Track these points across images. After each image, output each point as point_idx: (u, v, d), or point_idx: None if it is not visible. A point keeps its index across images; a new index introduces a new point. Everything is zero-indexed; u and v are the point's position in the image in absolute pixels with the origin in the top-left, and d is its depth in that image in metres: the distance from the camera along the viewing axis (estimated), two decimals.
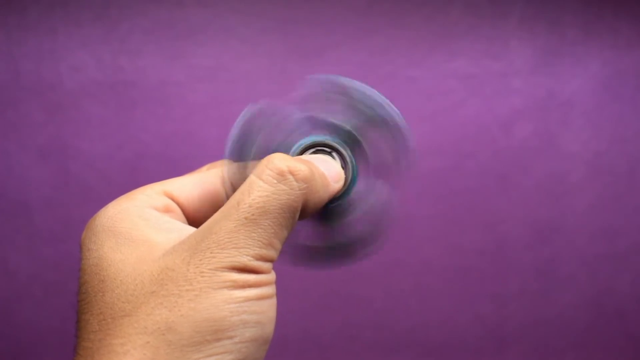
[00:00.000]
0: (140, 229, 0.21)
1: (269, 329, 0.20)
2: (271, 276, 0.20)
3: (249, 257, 0.19)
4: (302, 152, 0.25)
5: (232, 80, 0.87)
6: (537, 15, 0.89)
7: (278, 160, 0.21)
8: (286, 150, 0.25)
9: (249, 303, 0.19)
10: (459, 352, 0.93)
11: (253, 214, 0.20)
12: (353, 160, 0.25)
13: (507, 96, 0.90)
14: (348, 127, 0.25)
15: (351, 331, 0.91)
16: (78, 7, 0.85)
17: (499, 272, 0.92)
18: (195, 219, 0.24)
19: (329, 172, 0.24)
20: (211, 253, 0.19)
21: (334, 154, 0.25)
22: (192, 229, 0.22)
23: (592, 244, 0.93)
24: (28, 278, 0.87)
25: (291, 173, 0.21)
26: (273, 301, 0.20)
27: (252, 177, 0.21)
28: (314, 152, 0.25)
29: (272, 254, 0.20)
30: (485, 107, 0.90)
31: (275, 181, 0.20)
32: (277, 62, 0.87)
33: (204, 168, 0.26)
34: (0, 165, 0.86)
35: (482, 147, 0.91)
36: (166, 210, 0.23)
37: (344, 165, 0.25)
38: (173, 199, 0.23)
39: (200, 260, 0.19)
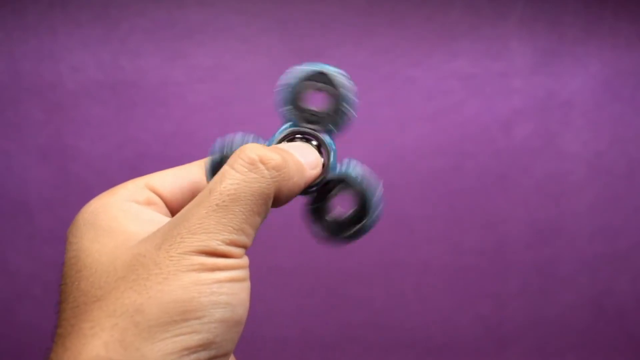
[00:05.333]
0: (119, 221, 0.22)
1: (240, 311, 0.20)
2: (243, 261, 0.21)
3: (218, 242, 0.20)
4: (282, 141, 0.26)
5: (232, 80, 0.87)
6: (537, 15, 0.89)
7: (249, 150, 0.21)
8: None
9: (218, 285, 0.19)
10: (459, 352, 0.93)
11: (224, 201, 0.20)
12: (332, 146, 0.26)
13: (507, 96, 0.90)
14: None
15: (351, 331, 0.91)
16: (78, 7, 0.85)
17: (499, 272, 0.92)
18: (177, 212, 0.24)
19: (305, 159, 0.24)
20: (181, 238, 0.19)
21: (313, 141, 0.26)
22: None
23: (592, 244, 0.93)
24: (28, 278, 0.87)
25: (262, 162, 0.21)
26: (245, 285, 0.20)
27: (225, 167, 0.21)
28: (294, 140, 0.26)
29: (244, 239, 0.21)
30: (485, 107, 0.90)
31: (246, 170, 0.21)
32: (277, 62, 0.87)
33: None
34: (0, 165, 0.86)
35: (482, 147, 0.91)
36: (148, 203, 0.23)
37: (323, 151, 0.26)
38: (156, 192, 0.24)
39: (170, 245, 0.19)
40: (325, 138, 0.26)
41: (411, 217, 0.91)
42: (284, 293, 0.90)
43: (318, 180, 0.25)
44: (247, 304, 0.20)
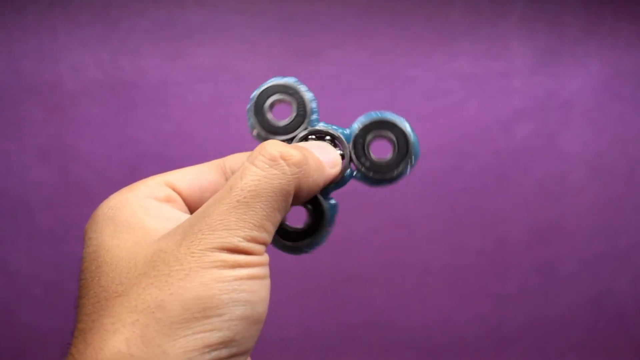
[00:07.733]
0: (138, 217, 0.22)
1: (260, 308, 0.20)
2: (263, 258, 0.21)
3: (239, 239, 0.20)
4: (303, 140, 0.26)
5: (232, 80, 0.87)
6: (537, 15, 0.89)
7: (270, 146, 0.21)
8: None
9: (239, 282, 0.19)
10: (459, 352, 0.93)
11: (245, 197, 0.20)
12: (352, 150, 0.26)
13: (507, 96, 0.90)
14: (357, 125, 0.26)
15: (351, 331, 0.91)
16: (78, 7, 0.85)
17: (499, 272, 0.92)
18: (196, 209, 0.24)
19: (324, 157, 0.24)
20: (202, 235, 0.19)
21: (335, 141, 0.26)
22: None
23: (592, 244, 0.93)
24: (28, 278, 0.87)
25: (283, 158, 0.21)
26: (265, 282, 0.21)
27: (245, 163, 0.21)
28: (316, 139, 0.26)
29: (264, 236, 0.21)
30: (485, 107, 0.90)
31: (267, 166, 0.21)
32: (277, 62, 0.87)
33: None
34: (0, 165, 0.86)
35: (482, 147, 0.91)
36: (167, 201, 0.23)
37: (343, 153, 0.26)
38: (175, 190, 0.24)
39: (192, 241, 0.19)
40: (345, 139, 0.26)
41: (411, 217, 0.91)
42: (285, 293, 0.90)
43: (336, 181, 0.25)
44: (267, 301, 0.20)
